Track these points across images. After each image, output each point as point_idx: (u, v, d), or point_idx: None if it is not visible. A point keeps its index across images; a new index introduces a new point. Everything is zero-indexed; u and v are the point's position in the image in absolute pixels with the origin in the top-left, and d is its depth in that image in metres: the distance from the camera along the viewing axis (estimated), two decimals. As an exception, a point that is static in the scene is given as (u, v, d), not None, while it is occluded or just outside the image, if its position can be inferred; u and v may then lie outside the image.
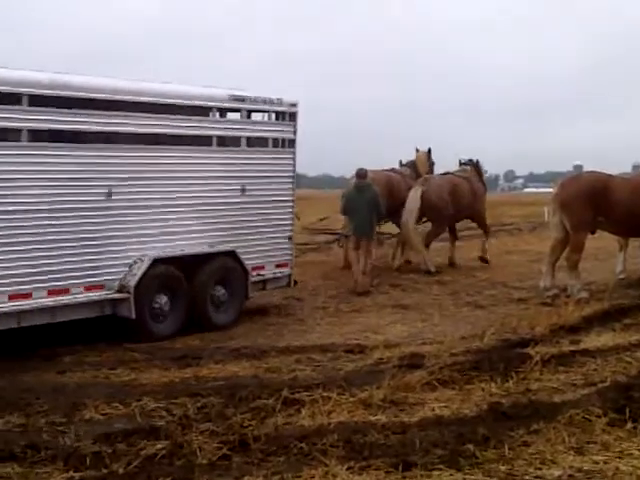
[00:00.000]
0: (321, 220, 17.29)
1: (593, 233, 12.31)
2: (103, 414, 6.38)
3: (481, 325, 10.05)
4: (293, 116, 11.46)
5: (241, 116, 10.97)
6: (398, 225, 16.24)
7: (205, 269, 10.23)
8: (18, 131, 8.47)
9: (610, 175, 12.29)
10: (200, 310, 10.18)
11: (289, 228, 11.56)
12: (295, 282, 11.86)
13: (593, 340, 8.81)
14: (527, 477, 4.97)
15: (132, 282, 9.30)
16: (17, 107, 8.41)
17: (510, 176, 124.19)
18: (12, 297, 8.35)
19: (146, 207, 9.59)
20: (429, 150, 17.39)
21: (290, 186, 11.59)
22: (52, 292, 8.71)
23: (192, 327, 10.00)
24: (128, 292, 9.28)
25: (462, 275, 14.67)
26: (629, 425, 5.79)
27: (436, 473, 4.98)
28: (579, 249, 11.93)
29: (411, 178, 16.22)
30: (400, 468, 5.02)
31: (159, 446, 5.47)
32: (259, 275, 11.09)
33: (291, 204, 11.63)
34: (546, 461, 5.20)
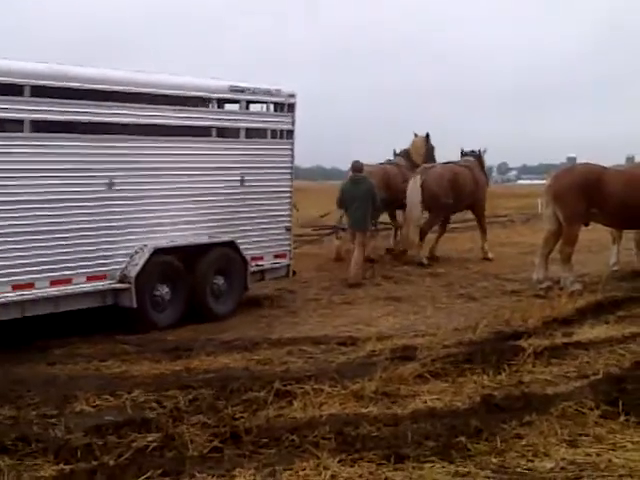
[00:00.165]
0: (322, 217, 17.19)
1: (587, 225, 12.30)
2: (94, 406, 6.36)
3: (474, 317, 10.03)
4: (291, 107, 11.49)
5: (240, 107, 10.99)
6: (394, 217, 16.27)
7: (205, 259, 10.30)
8: (20, 122, 8.46)
9: (604, 167, 12.27)
10: (200, 300, 10.25)
11: (287, 219, 11.62)
12: (294, 272, 11.93)
13: (586, 332, 8.80)
14: (519, 469, 4.95)
15: (133, 272, 9.36)
16: (19, 98, 8.40)
17: (503, 168, 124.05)
18: (15, 287, 8.38)
19: (147, 197, 9.66)
20: (427, 135, 17.03)
21: (288, 177, 11.66)
22: (55, 282, 8.76)
23: (193, 317, 10.04)
24: (129, 282, 9.34)
25: (455, 267, 14.65)
26: (622, 417, 5.78)
27: (428, 465, 4.96)
28: (572, 241, 11.93)
29: (407, 168, 16.13)
30: (392, 460, 5.00)
31: (150, 438, 5.45)
32: (258, 265, 11.14)
33: (289, 195, 11.67)
34: (538, 453, 5.18)
